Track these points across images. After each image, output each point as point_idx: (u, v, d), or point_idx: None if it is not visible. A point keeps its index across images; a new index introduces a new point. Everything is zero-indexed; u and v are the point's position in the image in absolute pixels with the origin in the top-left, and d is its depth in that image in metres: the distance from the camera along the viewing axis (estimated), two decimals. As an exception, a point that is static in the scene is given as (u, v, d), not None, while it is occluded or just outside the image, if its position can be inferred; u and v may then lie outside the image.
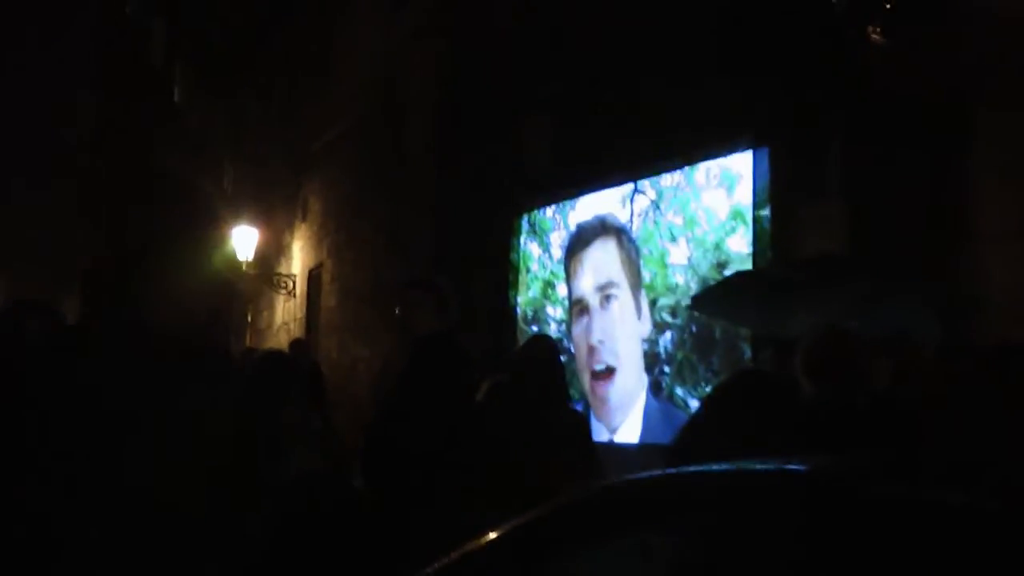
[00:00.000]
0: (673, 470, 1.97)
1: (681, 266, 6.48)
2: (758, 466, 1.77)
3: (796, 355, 3.08)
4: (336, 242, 12.47)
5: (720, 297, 5.30)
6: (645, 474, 1.87)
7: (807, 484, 1.59)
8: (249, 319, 16.69)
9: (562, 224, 7.77)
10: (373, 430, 3.86)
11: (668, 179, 6.70)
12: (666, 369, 6.50)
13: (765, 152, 6.03)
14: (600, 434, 6.55)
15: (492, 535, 1.81)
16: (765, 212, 5.97)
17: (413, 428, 3.69)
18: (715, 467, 1.81)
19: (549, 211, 7.95)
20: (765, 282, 5.14)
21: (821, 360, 3.00)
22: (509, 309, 8.22)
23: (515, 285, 8.24)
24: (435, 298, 3.98)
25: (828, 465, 1.74)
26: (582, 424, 4.19)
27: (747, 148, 6.14)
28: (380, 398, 3.93)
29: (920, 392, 3.38)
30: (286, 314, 14.44)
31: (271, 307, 15.22)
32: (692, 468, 1.88)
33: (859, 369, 3.01)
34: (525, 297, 8.18)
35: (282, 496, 3.39)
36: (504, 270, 8.28)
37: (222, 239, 14.01)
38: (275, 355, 4.42)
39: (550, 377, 4.20)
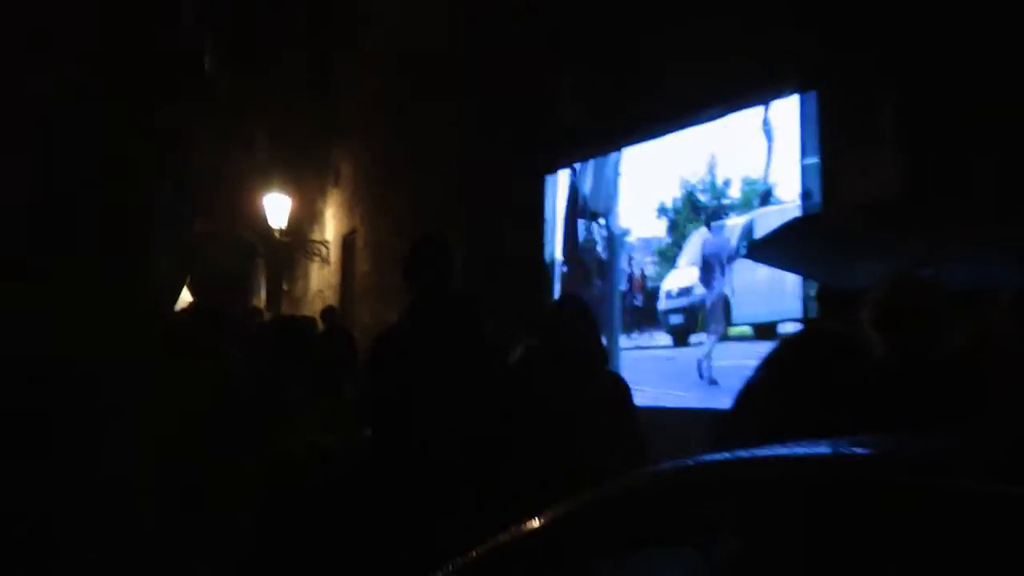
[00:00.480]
0: (714, 458, 1.66)
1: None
2: (810, 450, 1.51)
3: (864, 307, 2.73)
4: (368, 207, 12.18)
5: (778, 244, 4.92)
6: (686, 462, 1.58)
7: (864, 472, 1.34)
8: (284, 287, 16.50)
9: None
10: (388, 406, 3.55)
11: (712, 127, 6.32)
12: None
13: (813, 96, 5.62)
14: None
15: (527, 527, 1.54)
16: (813, 159, 5.58)
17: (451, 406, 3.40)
18: (763, 453, 1.53)
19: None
20: (827, 229, 4.77)
21: (895, 311, 2.65)
22: (545, 268, 7.89)
23: (550, 242, 7.90)
24: (439, 252, 3.71)
25: (888, 449, 1.46)
26: (623, 390, 3.85)
27: (793, 92, 5.74)
28: (383, 359, 3.62)
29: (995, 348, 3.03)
30: (321, 281, 14.21)
31: (306, 275, 15.00)
32: (737, 455, 1.59)
33: (938, 322, 2.65)
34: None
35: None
36: (538, 226, 7.93)
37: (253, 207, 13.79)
38: (282, 322, 4.10)
39: (585, 340, 3.88)
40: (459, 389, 3.39)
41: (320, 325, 10.20)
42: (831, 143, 5.48)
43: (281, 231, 13.56)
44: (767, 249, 5.13)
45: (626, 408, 3.80)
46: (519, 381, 3.85)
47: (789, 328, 5.62)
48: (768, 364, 2.79)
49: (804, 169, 5.63)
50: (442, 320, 3.60)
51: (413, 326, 3.63)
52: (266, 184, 14.33)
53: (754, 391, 2.76)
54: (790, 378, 2.63)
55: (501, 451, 3.43)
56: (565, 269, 7.81)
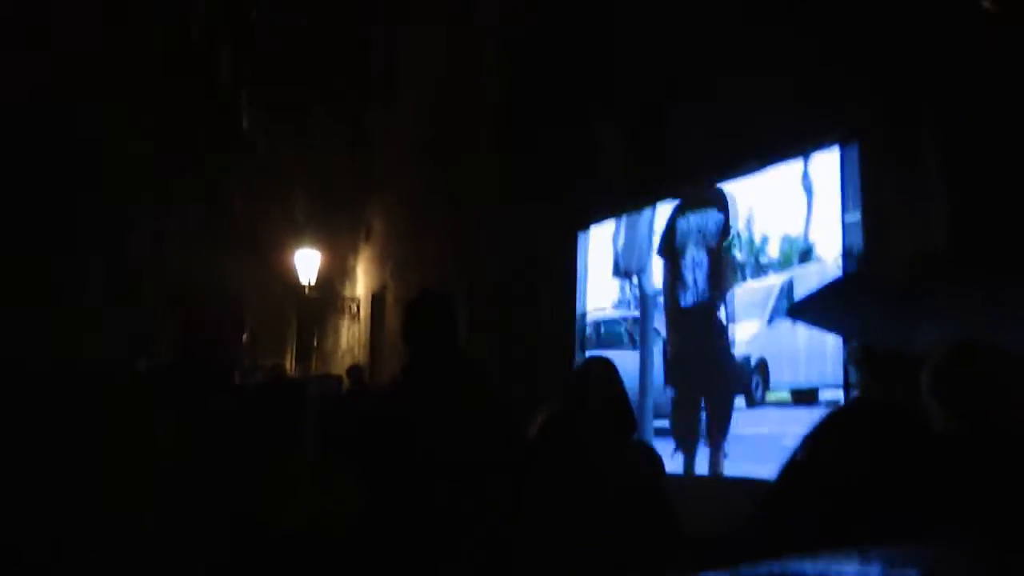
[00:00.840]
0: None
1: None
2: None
3: (922, 374, 2.41)
4: (399, 264, 11.98)
5: (824, 304, 4.59)
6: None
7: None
8: (316, 343, 16.31)
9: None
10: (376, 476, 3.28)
11: (749, 181, 6.03)
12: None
13: (855, 149, 5.32)
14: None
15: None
16: (855, 214, 5.27)
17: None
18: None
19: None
20: (874, 287, 4.44)
21: (957, 379, 2.32)
22: (574, 327, 7.60)
23: (582, 298, 7.62)
24: (439, 312, 3.47)
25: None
26: (653, 462, 3.53)
27: (834, 144, 5.44)
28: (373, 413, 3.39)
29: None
30: (351, 338, 14.00)
31: (336, 331, 14.80)
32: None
33: (1007, 390, 2.32)
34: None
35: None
36: (571, 285, 7.66)
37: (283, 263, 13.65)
38: (278, 386, 3.85)
39: (608, 406, 3.58)
40: (453, 460, 3.11)
41: (346, 382, 9.96)
42: (875, 197, 5.17)
43: (311, 286, 13.38)
44: (811, 309, 4.81)
45: (656, 482, 3.48)
46: (533, 449, 3.56)
47: (829, 395, 5.29)
48: (816, 438, 2.47)
49: (846, 226, 5.31)
50: (439, 385, 3.34)
51: (403, 391, 3.41)
52: (300, 239, 14.22)
53: (802, 467, 2.43)
54: (842, 454, 2.31)
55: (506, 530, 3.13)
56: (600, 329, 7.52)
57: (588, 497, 3.36)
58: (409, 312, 3.61)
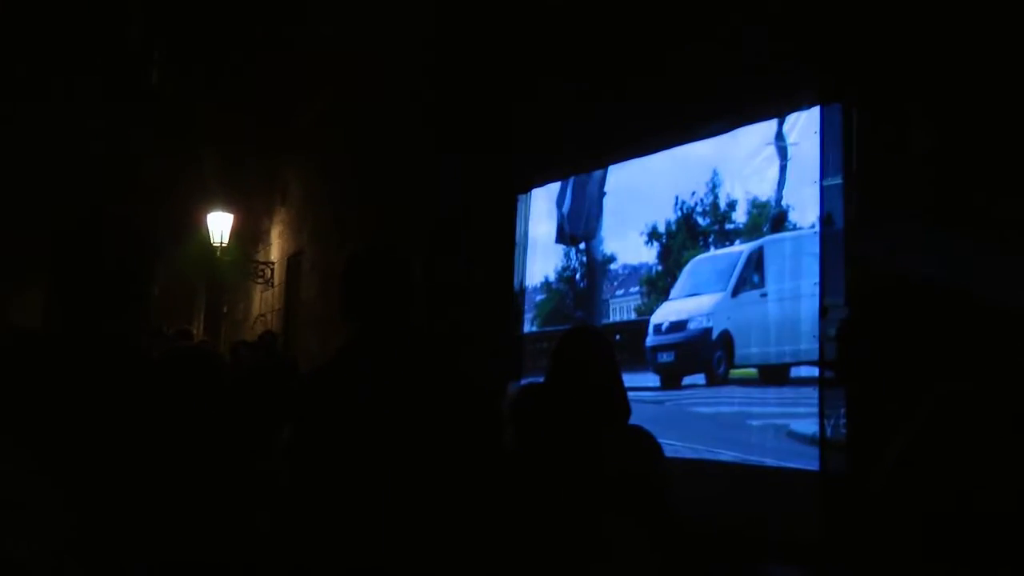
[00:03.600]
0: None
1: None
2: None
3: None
4: (317, 228, 11.20)
5: None
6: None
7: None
8: (225, 310, 15.42)
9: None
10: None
11: (714, 141, 5.48)
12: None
13: (837, 109, 4.80)
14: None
15: None
16: (836, 179, 4.75)
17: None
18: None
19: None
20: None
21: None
22: (515, 294, 6.99)
23: (522, 267, 7.01)
24: (390, 271, 2.73)
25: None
26: (645, 448, 2.93)
27: (812, 105, 4.91)
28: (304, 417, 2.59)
29: None
30: (264, 305, 13.18)
31: (248, 297, 13.95)
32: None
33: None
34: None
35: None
36: (510, 250, 7.03)
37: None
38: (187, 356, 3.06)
39: (593, 386, 2.98)
40: (420, 463, 2.43)
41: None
42: (859, 161, 4.66)
43: (223, 249, 12.50)
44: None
45: (651, 471, 2.89)
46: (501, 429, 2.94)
47: (804, 373, 4.79)
48: (934, 422, 1.91)
49: (824, 191, 4.80)
50: (394, 365, 2.60)
51: (349, 373, 2.62)
52: (211, 202, 13.29)
53: (910, 460, 1.88)
54: (980, 442, 1.78)
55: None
56: (541, 297, 6.92)
57: (570, 492, 2.78)
58: (350, 272, 2.83)
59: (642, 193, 5.95)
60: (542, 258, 6.88)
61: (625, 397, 3.01)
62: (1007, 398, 1.85)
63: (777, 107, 5.08)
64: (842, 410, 4.51)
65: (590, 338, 3.17)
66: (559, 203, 6.69)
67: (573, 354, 3.08)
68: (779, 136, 5.09)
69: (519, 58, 6.84)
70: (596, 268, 6.32)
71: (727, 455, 5.12)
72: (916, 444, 1.97)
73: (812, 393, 4.62)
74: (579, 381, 2.99)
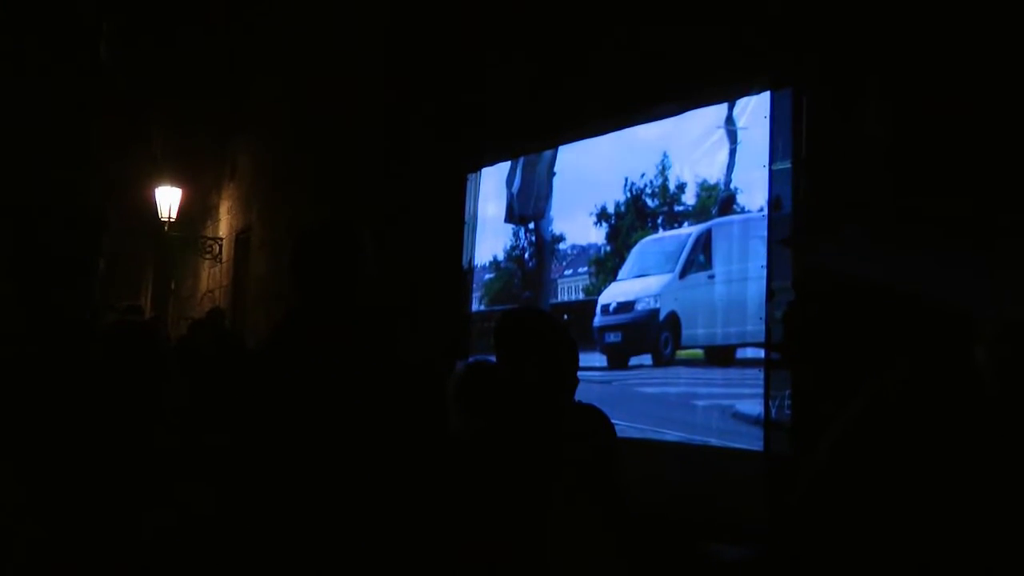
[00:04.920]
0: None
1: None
2: None
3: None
4: (266, 204, 11.00)
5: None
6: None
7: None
8: (173, 286, 15.13)
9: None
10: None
11: (664, 126, 5.41)
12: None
13: (787, 94, 4.75)
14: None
15: None
16: (785, 163, 4.71)
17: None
18: None
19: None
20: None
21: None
22: (463, 273, 6.89)
23: (470, 246, 6.90)
24: (341, 246, 2.59)
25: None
26: (598, 427, 2.86)
27: (763, 90, 4.86)
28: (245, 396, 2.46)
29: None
30: (211, 281, 12.94)
31: (196, 273, 13.69)
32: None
33: None
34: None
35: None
36: (459, 229, 6.93)
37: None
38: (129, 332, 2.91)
39: (546, 362, 2.89)
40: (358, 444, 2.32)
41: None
42: (810, 144, 4.62)
43: (170, 224, 12.24)
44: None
45: (606, 454, 2.82)
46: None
47: (750, 354, 4.76)
48: (871, 409, 1.85)
49: (773, 174, 4.75)
50: (336, 342, 2.47)
51: (290, 350, 2.48)
52: (160, 177, 13.00)
53: (853, 440, 1.82)
54: (915, 430, 1.73)
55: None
56: (489, 277, 6.83)
57: (524, 471, 2.70)
58: (301, 247, 2.64)
59: (591, 174, 5.88)
60: (491, 237, 6.78)
61: (575, 371, 2.92)
62: (949, 386, 1.81)
63: (728, 91, 5.02)
64: (786, 391, 4.49)
65: (540, 313, 3.10)
66: (509, 183, 6.60)
67: (525, 331, 2.99)
68: (729, 120, 5.04)
69: (469, 38, 6.72)
70: (545, 248, 6.24)
71: (673, 435, 5.09)
72: (856, 428, 1.92)
73: (757, 374, 4.60)
74: (533, 355, 2.90)
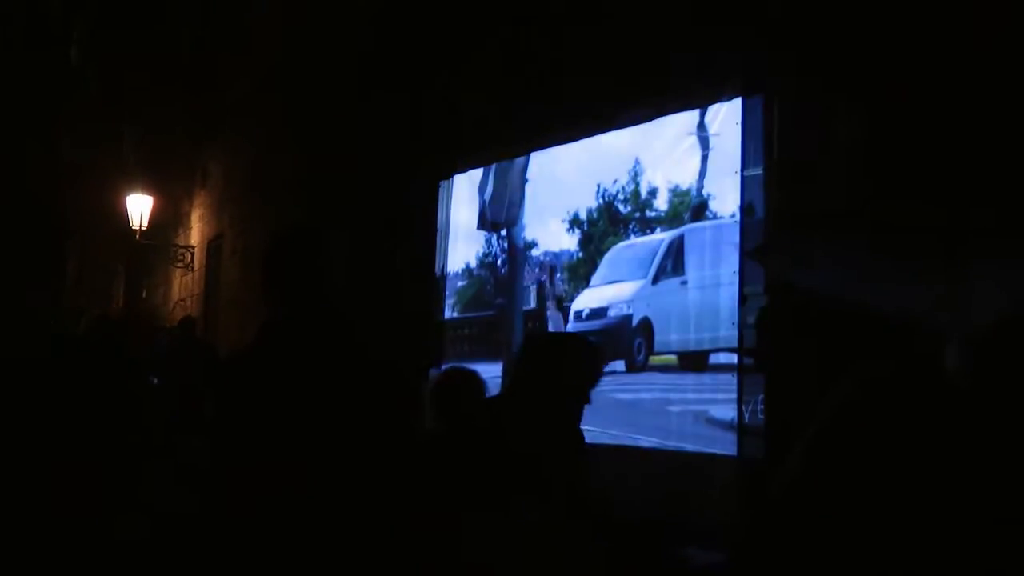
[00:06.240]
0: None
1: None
2: None
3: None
4: (238, 212, 10.88)
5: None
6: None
7: None
8: (144, 294, 14.94)
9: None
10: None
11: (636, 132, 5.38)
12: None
13: (759, 100, 4.72)
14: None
15: None
16: (757, 170, 4.69)
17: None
18: None
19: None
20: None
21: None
22: (436, 281, 6.82)
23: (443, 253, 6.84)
24: (310, 252, 2.53)
25: None
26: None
27: (734, 96, 4.83)
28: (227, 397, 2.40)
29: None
30: (183, 289, 12.78)
31: (167, 282, 13.53)
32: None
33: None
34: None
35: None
36: (431, 237, 6.85)
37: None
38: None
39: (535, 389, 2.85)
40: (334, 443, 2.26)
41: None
42: (780, 151, 4.60)
43: (142, 232, 12.08)
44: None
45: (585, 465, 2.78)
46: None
47: (723, 359, 4.73)
48: (844, 411, 1.81)
49: (745, 180, 4.73)
50: (311, 346, 2.42)
51: (269, 354, 2.44)
52: (131, 184, 12.83)
53: (829, 443, 1.78)
54: (891, 431, 1.69)
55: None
56: (462, 283, 6.76)
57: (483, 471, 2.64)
58: (274, 254, 2.61)
59: (564, 181, 5.84)
60: (463, 244, 6.72)
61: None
62: (920, 387, 1.78)
63: (700, 97, 4.99)
64: (759, 396, 4.46)
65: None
66: (481, 190, 6.54)
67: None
68: (701, 126, 5.01)
69: (442, 45, 6.67)
70: (517, 255, 6.19)
71: (647, 441, 5.05)
72: (830, 431, 1.88)
73: (730, 380, 4.56)
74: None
